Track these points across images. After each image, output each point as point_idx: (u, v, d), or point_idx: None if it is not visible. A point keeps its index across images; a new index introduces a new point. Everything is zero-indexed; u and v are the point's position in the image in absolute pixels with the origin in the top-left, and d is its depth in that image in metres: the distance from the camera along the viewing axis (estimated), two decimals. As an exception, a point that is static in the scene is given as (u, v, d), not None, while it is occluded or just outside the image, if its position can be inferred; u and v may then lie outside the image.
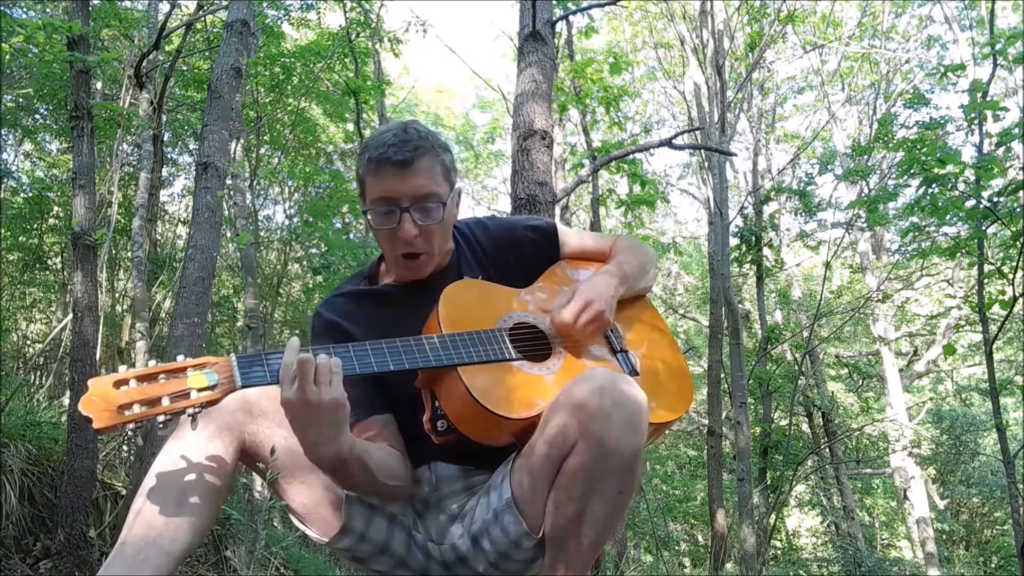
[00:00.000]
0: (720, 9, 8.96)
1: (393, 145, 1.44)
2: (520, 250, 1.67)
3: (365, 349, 1.35)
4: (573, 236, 1.74)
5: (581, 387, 1.28)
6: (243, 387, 1.24)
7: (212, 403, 1.22)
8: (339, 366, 1.26)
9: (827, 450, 10.72)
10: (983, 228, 5.11)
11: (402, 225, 1.46)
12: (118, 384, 1.18)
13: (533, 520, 1.36)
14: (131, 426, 1.16)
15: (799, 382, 9.55)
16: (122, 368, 1.21)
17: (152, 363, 1.22)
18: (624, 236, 1.78)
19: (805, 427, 12.15)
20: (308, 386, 1.21)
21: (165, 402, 1.18)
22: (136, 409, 1.16)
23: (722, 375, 8.30)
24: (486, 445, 1.44)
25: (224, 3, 5.35)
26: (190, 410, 1.20)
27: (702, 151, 9.36)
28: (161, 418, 1.18)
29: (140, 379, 1.19)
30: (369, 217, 1.50)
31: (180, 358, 1.24)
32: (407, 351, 1.37)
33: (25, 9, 7.01)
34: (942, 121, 6.10)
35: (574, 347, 1.53)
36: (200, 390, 1.20)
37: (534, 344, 1.52)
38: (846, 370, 12.92)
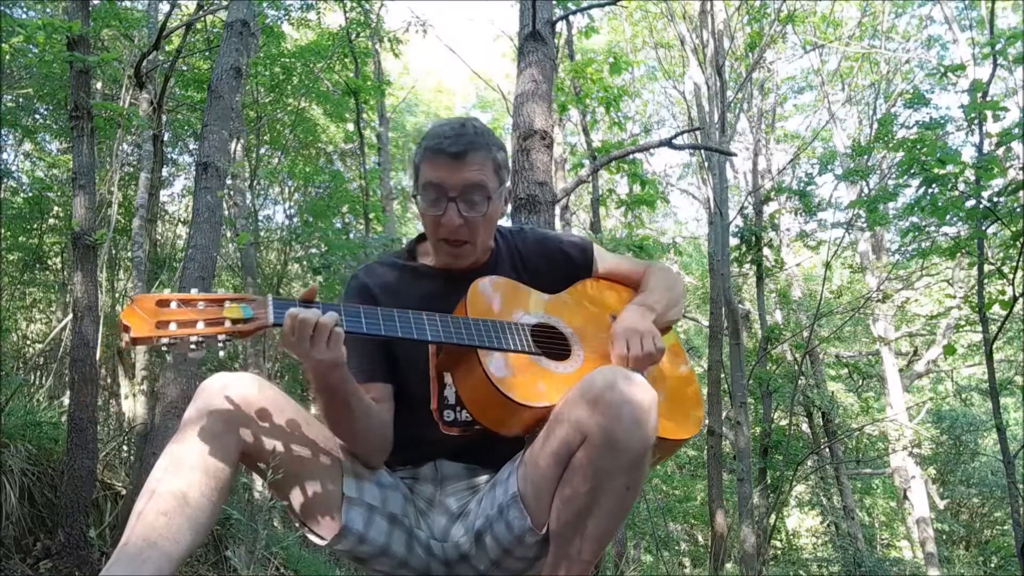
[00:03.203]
0: (720, 9, 8.96)
1: (449, 137, 1.50)
2: (555, 263, 1.71)
3: (391, 314, 1.40)
4: (607, 257, 1.78)
5: (591, 383, 1.30)
6: (274, 324, 1.29)
7: (243, 334, 1.27)
8: (341, 327, 1.31)
9: (827, 450, 10.72)
10: (983, 228, 5.11)
11: (447, 213, 1.51)
12: (161, 303, 1.23)
13: (538, 515, 1.36)
14: (165, 341, 1.21)
15: (799, 382, 9.55)
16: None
17: (194, 291, 1.28)
18: (658, 265, 1.81)
19: (805, 427, 12.15)
20: (303, 343, 1.28)
21: (200, 326, 1.24)
22: (172, 327, 1.22)
23: (722, 375, 8.30)
24: (492, 440, 1.46)
25: (224, 3, 5.35)
26: (221, 337, 1.25)
27: (702, 151, 9.36)
28: (194, 339, 1.23)
29: (182, 302, 1.25)
30: (418, 201, 1.55)
31: (221, 291, 1.28)
32: (431, 324, 1.42)
33: (25, 9, 7.01)
34: (942, 121, 6.09)
35: (592, 355, 1.55)
36: (234, 321, 1.26)
37: (553, 344, 1.55)
38: (846, 370, 12.92)
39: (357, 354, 1.50)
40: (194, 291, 1.28)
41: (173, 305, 1.24)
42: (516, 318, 1.54)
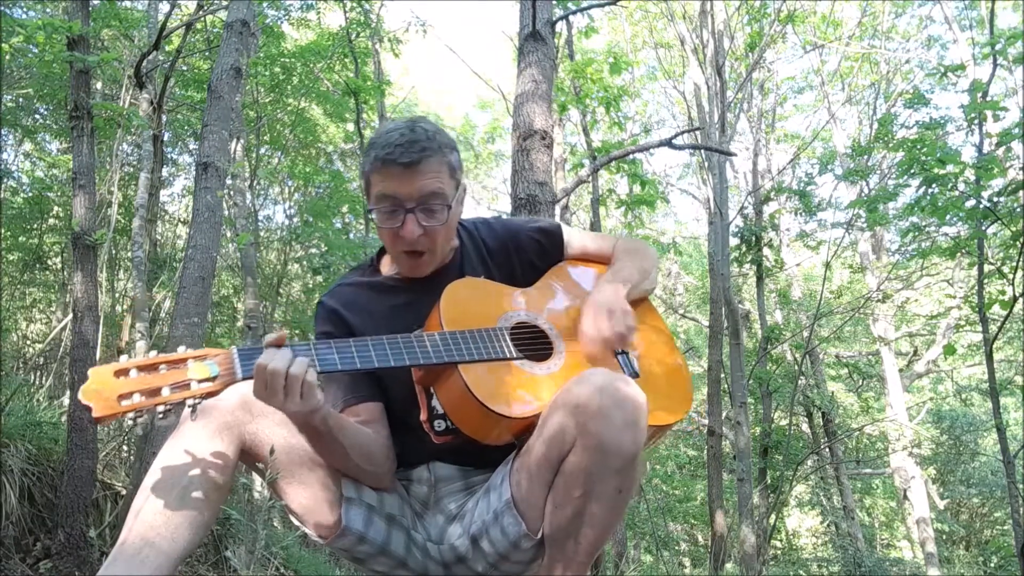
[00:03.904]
0: (720, 9, 8.96)
1: (400, 145, 1.44)
2: (524, 251, 1.67)
3: (366, 344, 1.35)
4: (576, 237, 1.74)
5: (580, 387, 1.28)
6: (243, 379, 1.24)
7: (212, 394, 1.22)
8: (314, 374, 1.25)
9: (827, 450, 10.72)
10: (983, 228, 5.11)
11: (406, 225, 1.47)
12: (119, 373, 1.17)
13: (532, 521, 1.36)
14: (131, 416, 1.15)
15: (799, 382, 9.55)
16: (123, 358, 1.20)
17: (153, 354, 1.22)
18: (626, 238, 1.78)
19: (805, 427, 12.15)
20: (276, 396, 1.22)
21: (165, 392, 1.17)
22: (136, 399, 1.16)
23: (722, 375, 8.29)
24: (485, 445, 1.44)
25: (224, 3, 5.35)
26: (190, 401, 1.19)
27: (702, 151, 9.35)
28: (161, 408, 1.18)
29: (141, 369, 1.18)
30: (373, 216, 1.51)
31: (181, 349, 1.23)
32: (408, 347, 1.37)
33: (25, 9, 7.01)
34: (942, 121, 6.10)
35: (575, 348, 1.52)
36: (201, 381, 1.20)
37: (535, 344, 1.52)
38: (846, 370, 12.92)
39: (339, 379, 1.48)
40: (152, 353, 1.22)
41: (132, 374, 1.17)
42: (493, 320, 1.49)
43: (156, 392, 1.17)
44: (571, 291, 1.64)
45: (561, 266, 1.69)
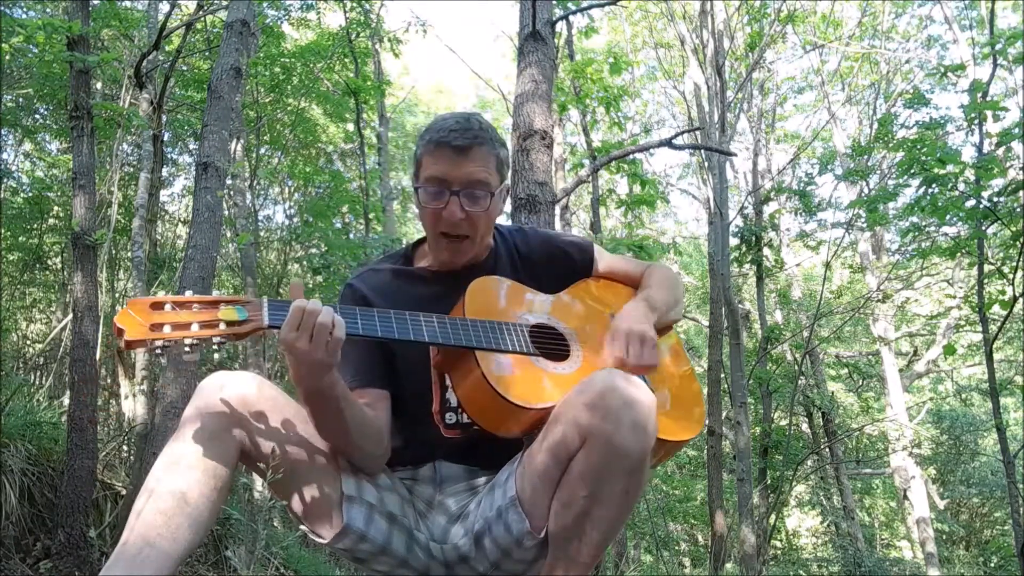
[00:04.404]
0: (720, 9, 8.96)
1: (455, 130, 1.49)
2: (554, 262, 1.70)
3: (388, 316, 1.39)
4: (607, 257, 1.77)
5: (591, 386, 1.28)
6: (269, 326, 1.28)
7: (238, 337, 1.27)
8: (342, 329, 1.28)
9: (827, 450, 10.72)
10: (983, 228, 5.11)
11: (449, 207, 1.50)
12: (155, 306, 1.23)
13: (537, 519, 1.36)
14: (159, 344, 1.20)
15: (799, 382, 9.55)
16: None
17: (189, 293, 1.28)
18: (658, 265, 1.79)
19: (805, 427, 12.15)
20: (303, 338, 1.25)
21: (194, 328, 1.23)
22: (167, 330, 1.21)
23: (722, 375, 8.30)
24: (492, 442, 1.45)
25: (224, 3, 5.35)
26: (216, 339, 1.25)
27: (702, 151, 9.36)
28: (188, 342, 1.23)
29: (176, 304, 1.24)
30: (419, 194, 1.54)
31: (216, 292, 1.27)
32: (428, 325, 1.41)
33: (25, 9, 7.01)
34: (942, 121, 6.10)
35: (592, 357, 1.54)
36: (229, 323, 1.25)
37: (552, 345, 1.53)
38: (846, 370, 12.92)
39: (352, 359, 1.49)
40: (189, 293, 1.27)
41: (167, 308, 1.23)
42: (515, 318, 1.52)
43: (186, 327, 1.23)
44: (595, 305, 1.67)
45: (588, 281, 1.72)
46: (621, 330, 1.51)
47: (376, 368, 1.52)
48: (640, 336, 1.49)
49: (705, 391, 8.80)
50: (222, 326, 1.25)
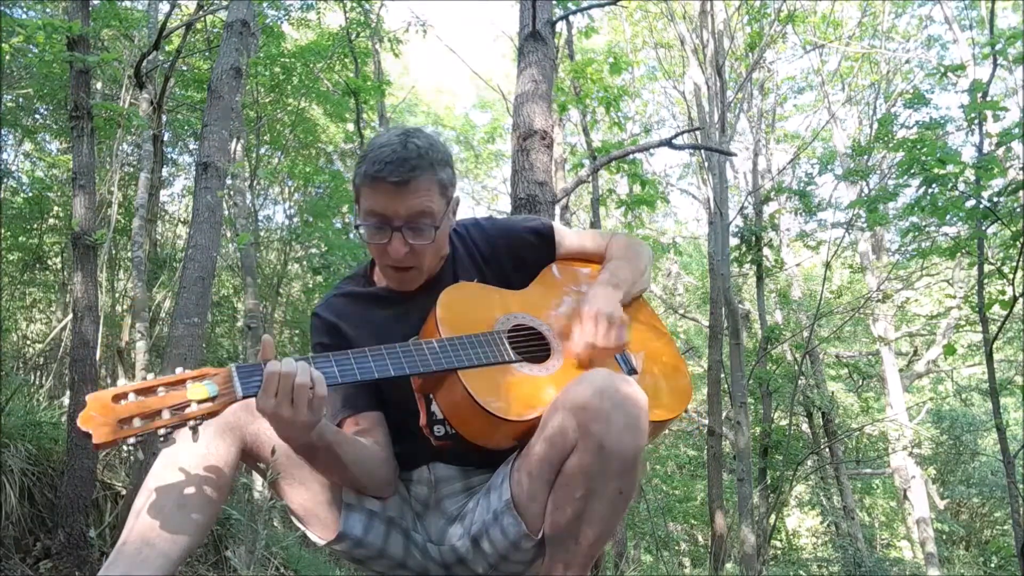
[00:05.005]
0: (720, 9, 8.96)
1: (391, 163, 1.42)
2: (517, 252, 1.66)
3: (365, 355, 1.35)
4: (569, 236, 1.73)
5: (581, 388, 1.28)
6: (243, 397, 1.23)
7: (212, 415, 1.21)
8: (323, 384, 1.25)
9: (827, 450, 10.72)
10: (983, 228, 5.11)
11: (393, 243, 1.46)
12: (117, 398, 1.16)
13: (533, 521, 1.36)
14: (131, 440, 1.14)
15: (799, 382, 9.55)
16: (121, 381, 1.20)
17: (150, 376, 1.21)
18: (619, 235, 1.77)
19: (805, 427, 12.15)
20: (283, 404, 1.21)
21: (165, 415, 1.16)
22: (136, 423, 1.15)
23: (722, 375, 8.30)
24: (485, 448, 1.44)
25: (224, 3, 5.34)
26: (191, 422, 1.18)
27: (702, 151, 9.35)
28: (162, 431, 1.17)
29: (139, 392, 1.17)
30: (361, 230, 1.50)
31: (179, 370, 1.22)
32: (407, 357, 1.37)
33: (25, 9, 7.01)
34: (942, 121, 6.10)
35: (572, 347, 1.52)
36: (200, 402, 1.19)
37: (532, 345, 1.52)
38: (846, 370, 12.92)
39: (338, 389, 1.46)
40: (149, 376, 1.21)
41: (131, 397, 1.16)
42: (490, 324, 1.49)
43: (156, 415, 1.16)
44: (565, 291, 1.64)
45: (554, 265, 1.69)
46: (587, 315, 1.49)
47: (362, 393, 1.50)
48: (608, 317, 1.48)
49: (705, 391, 8.79)
50: (193, 406, 1.18)
